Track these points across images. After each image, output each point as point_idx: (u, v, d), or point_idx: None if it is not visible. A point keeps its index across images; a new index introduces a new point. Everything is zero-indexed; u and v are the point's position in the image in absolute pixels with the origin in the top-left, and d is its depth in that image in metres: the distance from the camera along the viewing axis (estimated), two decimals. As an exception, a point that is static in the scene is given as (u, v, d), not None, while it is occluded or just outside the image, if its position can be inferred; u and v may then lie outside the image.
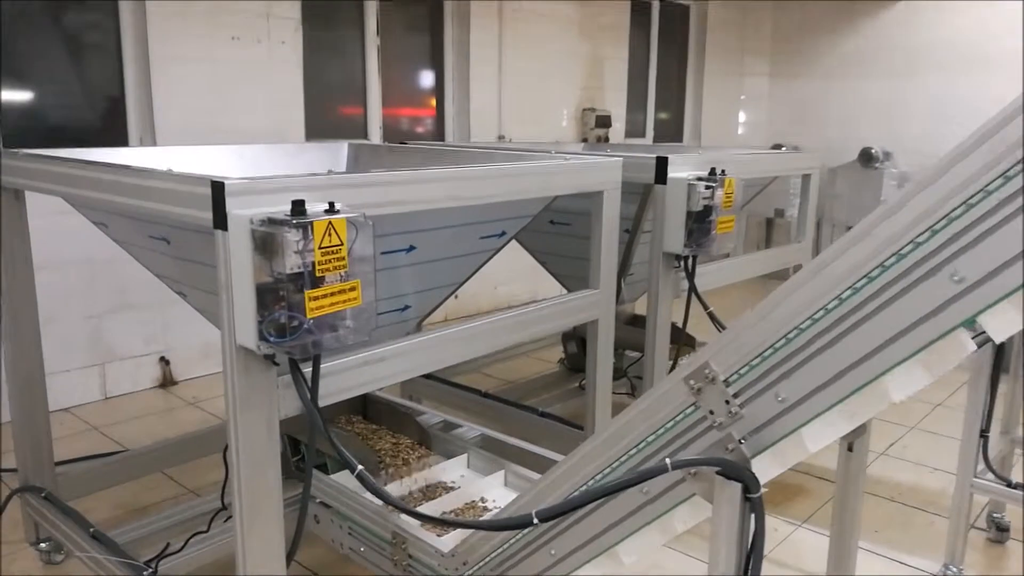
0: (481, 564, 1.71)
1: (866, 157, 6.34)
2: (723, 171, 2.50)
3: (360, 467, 1.48)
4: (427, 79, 5.63)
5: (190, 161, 2.42)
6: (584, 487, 1.46)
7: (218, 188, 1.43)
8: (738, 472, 1.19)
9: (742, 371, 1.22)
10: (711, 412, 1.26)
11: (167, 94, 3.98)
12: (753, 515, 1.19)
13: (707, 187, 2.46)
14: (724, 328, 2.76)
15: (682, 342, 2.74)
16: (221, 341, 1.51)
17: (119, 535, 2.23)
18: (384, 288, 2.07)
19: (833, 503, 1.62)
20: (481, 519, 1.59)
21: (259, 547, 1.58)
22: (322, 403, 1.63)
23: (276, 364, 1.53)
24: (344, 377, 1.68)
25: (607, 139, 6.16)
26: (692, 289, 2.59)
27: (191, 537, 2.01)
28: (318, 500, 2.19)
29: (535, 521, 1.30)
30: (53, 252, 3.62)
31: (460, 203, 1.84)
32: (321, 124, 4.76)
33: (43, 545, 2.49)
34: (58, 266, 3.70)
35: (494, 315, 2.04)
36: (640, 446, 1.37)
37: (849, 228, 1.15)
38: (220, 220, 1.43)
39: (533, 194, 2.07)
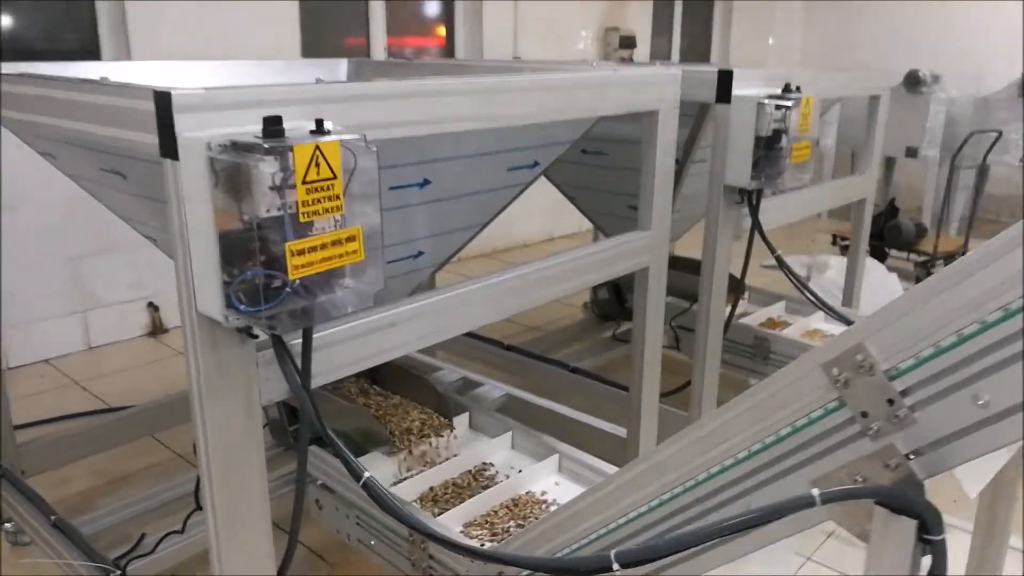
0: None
1: (912, 81, 5.81)
2: (798, 87, 2.08)
3: (368, 475, 1.12)
4: (434, 7, 5.12)
5: (154, 78, 2.01)
6: (663, 501, 1.10)
7: (163, 101, 1.03)
8: (916, 506, 0.82)
9: (919, 359, 0.84)
10: (864, 414, 0.89)
11: (144, 8, 3.52)
12: (932, 561, 0.83)
13: (779, 107, 2.04)
14: (796, 276, 2.41)
15: (740, 292, 2.36)
16: (179, 308, 1.14)
17: (87, 523, 1.90)
18: (392, 232, 1.69)
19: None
20: (539, 556, 1.23)
21: (242, 566, 1.24)
22: (317, 383, 1.27)
23: (254, 337, 1.16)
24: (345, 350, 1.31)
25: (631, 61, 5.66)
26: (756, 229, 2.19)
27: (164, 537, 1.68)
28: (319, 482, 1.85)
29: (615, 568, 0.94)
30: (29, 188, 3.24)
31: (490, 123, 1.44)
32: (319, 55, 4.29)
33: (8, 525, 2.17)
34: (35, 203, 3.31)
35: (527, 267, 1.65)
36: (744, 456, 1.01)
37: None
38: (168, 145, 1.04)
39: (579, 113, 1.66)
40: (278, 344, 1.16)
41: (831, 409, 0.92)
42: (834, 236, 5.05)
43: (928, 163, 5.58)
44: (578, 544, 1.26)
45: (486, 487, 1.77)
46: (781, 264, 2.21)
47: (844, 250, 4.96)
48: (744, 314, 2.86)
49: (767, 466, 0.99)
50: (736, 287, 2.44)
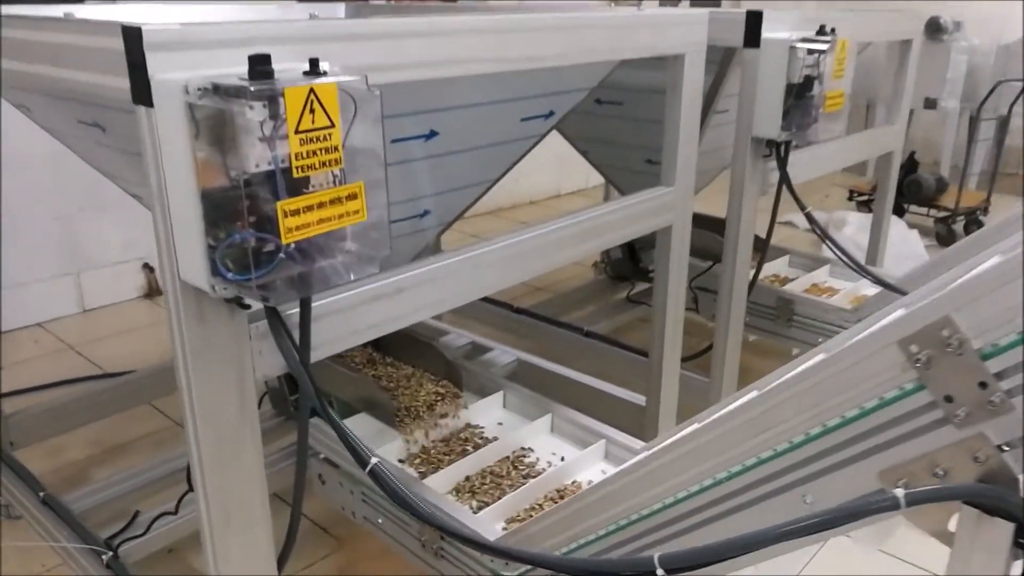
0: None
1: (933, 28, 5.59)
2: (833, 29, 1.92)
3: (375, 461, 1.01)
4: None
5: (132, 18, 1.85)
6: (704, 488, 0.99)
7: (133, 38, 0.89)
8: (1012, 506, 0.70)
9: (1022, 336, 0.72)
10: (948, 398, 0.77)
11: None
12: (1028, 572, 0.72)
13: (811, 51, 1.89)
14: (827, 235, 2.27)
15: (764, 252, 2.23)
16: (160, 276, 1.01)
17: (80, 498, 1.81)
18: (396, 189, 1.56)
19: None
20: (571, 558, 1.12)
21: (239, 558, 1.14)
22: (317, 356, 1.16)
23: (245, 307, 1.04)
24: (347, 320, 1.19)
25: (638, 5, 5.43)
26: (784, 183, 2.05)
27: (157, 518, 1.58)
28: (322, 456, 1.75)
29: (659, 573, 0.83)
30: (13, 144, 3.09)
31: (503, 66, 1.29)
32: (315, -8, 4.09)
33: (-1, 499, 2.08)
34: (21, 161, 3.17)
35: (543, 227, 1.52)
36: (801, 440, 0.89)
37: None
38: (140, 90, 0.91)
39: (600, 55, 1.51)
40: (272, 315, 1.04)
41: (908, 391, 0.80)
42: (851, 191, 4.90)
43: (947, 115, 5.39)
44: (600, 535, 1.16)
45: (527, 476, 1.65)
46: (811, 221, 2.08)
47: (861, 206, 4.80)
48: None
49: (827, 453, 0.88)
50: (759, 246, 2.31)
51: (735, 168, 2.03)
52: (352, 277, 1.00)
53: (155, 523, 1.56)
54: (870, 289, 2.50)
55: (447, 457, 1.65)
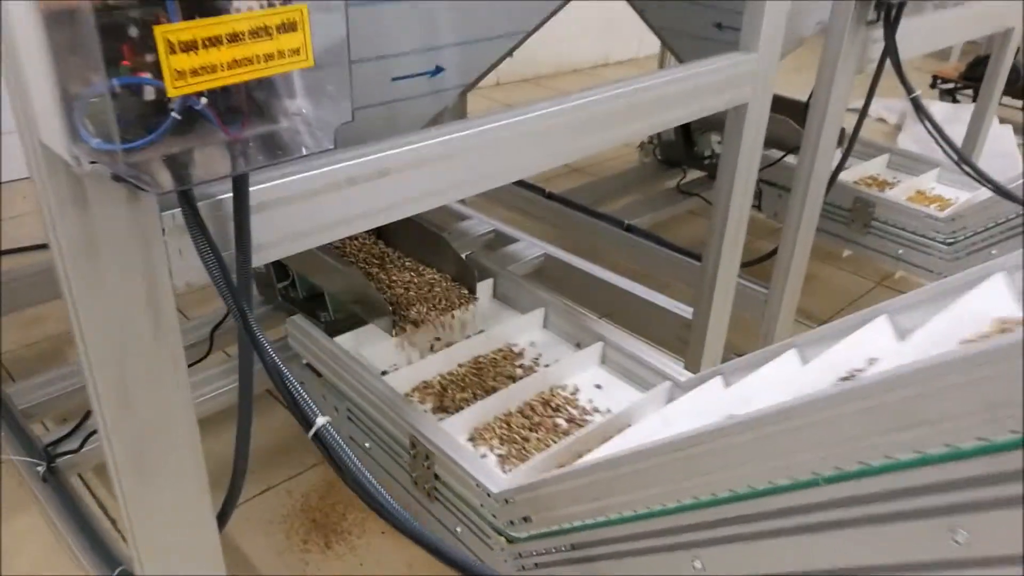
0: (559, 530, 1.00)
1: None
2: None
3: (322, 421, 0.71)
4: None
5: None
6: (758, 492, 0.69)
7: None
8: None
9: None
10: None
11: None
12: None
13: None
14: (939, 129, 1.83)
15: (851, 143, 1.84)
16: (19, 138, 0.69)
17: (32, 390, 1.56)
18: (396, 36, 1.20)
19: None
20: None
21: (163, 517, 0.87)
22: (264, 259, 0.85)
23: (144, 189, 0.72)
24: (311, 211, 0.87)
25: None
26: (891, 56, 1.64)
27: (92, 434, 1.33)
28: (304, 362, 1.48)
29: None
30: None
31: None
32: None
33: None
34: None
35: (590, 95, 1.16)
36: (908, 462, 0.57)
37: None
38: None
39: None
40: (186, 203, 0.72)
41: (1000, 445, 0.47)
42: (934, 77, 4.35)
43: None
44: (634, 514, 0.87)
45: (511, 378, 1.38)
46: (919, 110, 1.68)
47: (944, 95, 4.28)
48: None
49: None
50: (840, 136, 1.92)
51: (831, 35, 1.62)
52: (297, 153, 0.68)
53: (90, 439, 1.31)
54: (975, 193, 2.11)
55: (461, 394, 1.36)
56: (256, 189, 0.81)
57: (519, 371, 1.41)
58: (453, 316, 1.47)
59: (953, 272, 2.02)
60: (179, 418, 0.84)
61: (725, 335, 1.79)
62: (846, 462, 0.66)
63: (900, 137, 3.75)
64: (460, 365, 1.42)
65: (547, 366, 1.41)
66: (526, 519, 1.05)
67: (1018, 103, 4.04)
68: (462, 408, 1.29)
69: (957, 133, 2.64)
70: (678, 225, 2.65)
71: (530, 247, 2.04)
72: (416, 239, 1.58)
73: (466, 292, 1.51)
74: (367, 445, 1.36)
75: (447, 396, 1.35)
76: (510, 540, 1.10)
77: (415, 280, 1.52)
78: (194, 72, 0.56)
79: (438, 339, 1.47)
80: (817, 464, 0.69)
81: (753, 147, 1.52)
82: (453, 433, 1.23)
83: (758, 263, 1.98)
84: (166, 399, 0.82)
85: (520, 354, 1.46)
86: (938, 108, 3.83)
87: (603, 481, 0.91)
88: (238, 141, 0.67)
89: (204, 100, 0.60)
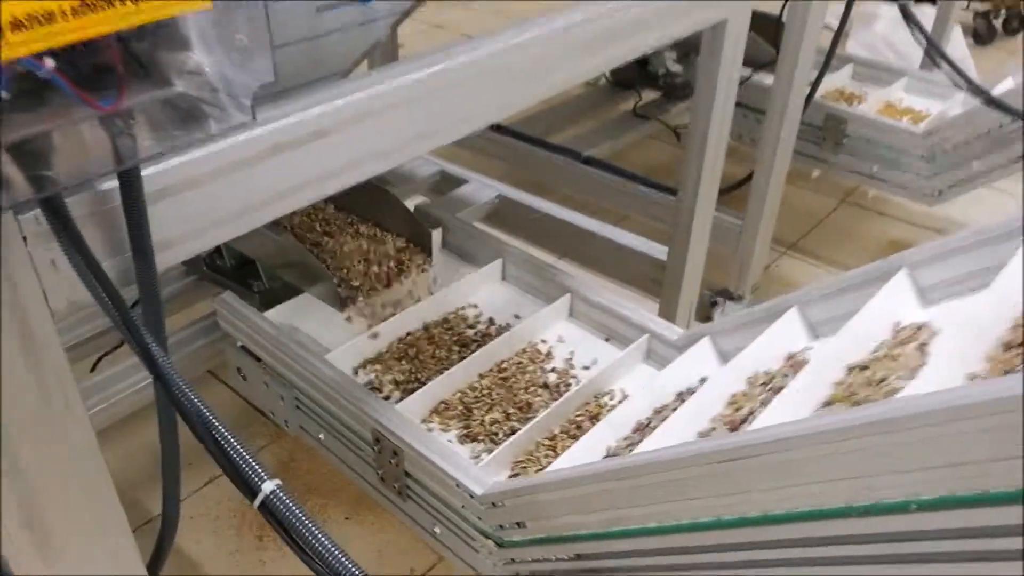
0: (560, 538, 0.86)
1: None
2: None
3: (272, 487, 0.54)
4: None
5: None
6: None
7: None
8: None
9: None
10: None
11: None
12: None
13: None
14: (925, 35, 1.63)
15: (829, 56, 1.68)
16: None
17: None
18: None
19: None
20: None
21: None
22: (171, 261, 0.66)
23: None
24: (230, 192, 0.68)
25: None
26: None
27: None
28: (239, 344, 1.29)
29: None
30: None
31: None
32: None
33: None
34: None
35: (546, 24, 0.97)
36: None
37: None
38: None
39: None
40: (49, 212, 0.52)
41: None
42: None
43: None
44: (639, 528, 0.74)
45: (465, 345, 1.23)
46: (909, 19, 1.52)
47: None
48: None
49: None
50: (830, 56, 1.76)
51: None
52: (206, 132, 0.48)
53: None
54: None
55: (414, 362, 1.20)
56: (154, 171, 0.61)
57: (469, 332, 1.27)
58: (403, 282, 1.29)
59: (931, 189, 1.94)
60: (82, 469, 0.66)
61: (701, 274, 1.66)
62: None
63: (848, 44, 3.62)
64: (410, 333, 1.26)
65: (508, 325, 1.27)
66: (520, 524, 0.91)
67: (964, 3, 3.94)
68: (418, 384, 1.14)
69: (906, 38, 2.51)
70: (636, 153, 2.48)
71: (482, 188, 1.85)
72: (358, 195, 1.38)
73: (419, 253, 1.33)
74: (321, 436, 1.20)
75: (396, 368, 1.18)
76: (500, 544, 0.96)
77: (360, 243, 1.32)
78: (16, 25, 0.36)
79: (388, 309, 1.29)
80: (852, 494, 0.56)
81: (732, 69, 1.35)
82: (414, 415, 1.08)
83: (731, 191, 1.84)
84: (59, 452, 0.63)
85: (476, 317, 1.30)
86: (886, 9, 3.69)
87: (609, 492, 0.77)
88: (117, 117, 0.47)
89: (51, 63, 0.41)
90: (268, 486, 0.52)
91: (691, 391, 1.06)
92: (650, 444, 0.93)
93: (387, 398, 1.15)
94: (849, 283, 0.98)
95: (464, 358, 1.18)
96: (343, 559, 0.50)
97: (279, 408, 1.25)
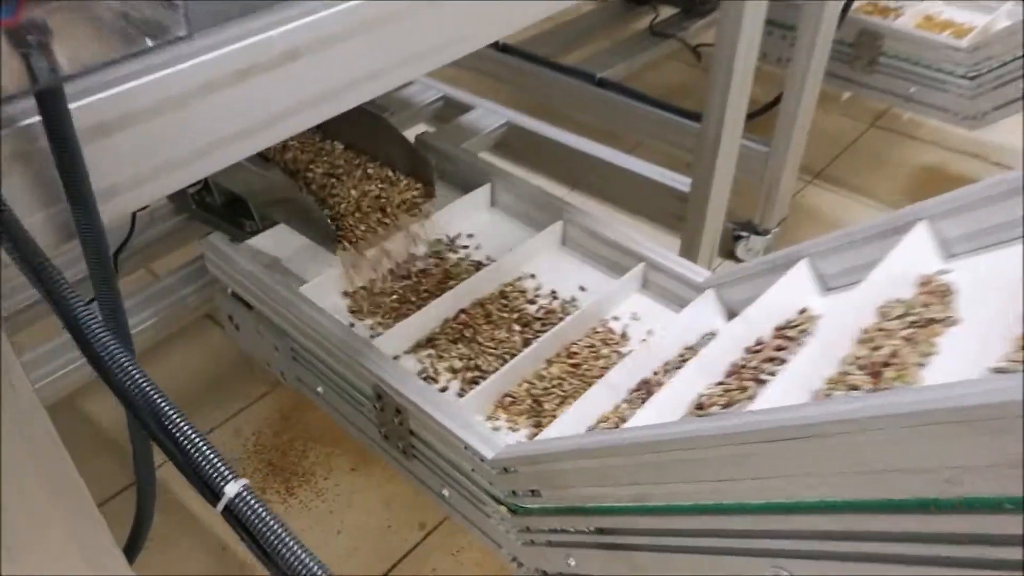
0: (579, 508, 0.78)
1: None
2: None
3: (237, 489, 0.45)
4: None
5: None
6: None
7: None
8: None
9: None
10: None
11: None
12: None
13: None
14: None
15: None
16: None
17: None
18: None
19: None
20: None
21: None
22: (118, 214, 0.56)
23: None
24: (185, 127, 0.57)
25: None
26: None
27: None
28: (229, 290, 1.20)
29: None
30: None
31: None
32: None
33: None
34: None
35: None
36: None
37: None
38: None
39: None
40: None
41: None
42: None
43: None
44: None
45: (527, 324, 1.10)
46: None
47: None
48: None
49: None
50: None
51: None
52: (113, 50, 0.38)
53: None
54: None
55: (471, 345, 1.07)
56: (88, 103, 0.50)
57: (530, 308, 1.13)
58: (404, 228, 1.19)
59: (973, 111, 1.80)
60: (36, 455, 0.57)
61: (725, 207, 1.55)
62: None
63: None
64: (464, 311, 1.12)
65: (573, 300, 1.15)
66: (534, 492, 0.83)
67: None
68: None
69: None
70: (653, 73, 2.33)
71: (488, 115, 1.73)
72: (351, 124, 1.26)
73: (419, 191, 1.22)
74: (320, 390, 1.11)
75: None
76: (514, 510, 0.88)
77: (356, 180, 1.21)
78: None
79: (388, 258, 1.19)
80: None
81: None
82: (477, 411, 0.98)
83: (757, 116, 1.71)
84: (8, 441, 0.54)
85: (536, 290, 1.16)
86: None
87: (631, 467, 0.68)
88: (22, 32, 0.37)
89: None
90: (232, 488, 0.43)
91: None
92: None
93: (444, 389, 1.01)
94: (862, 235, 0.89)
95: (527, 339, 1.06)
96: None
97: (274, 359, 1.16)
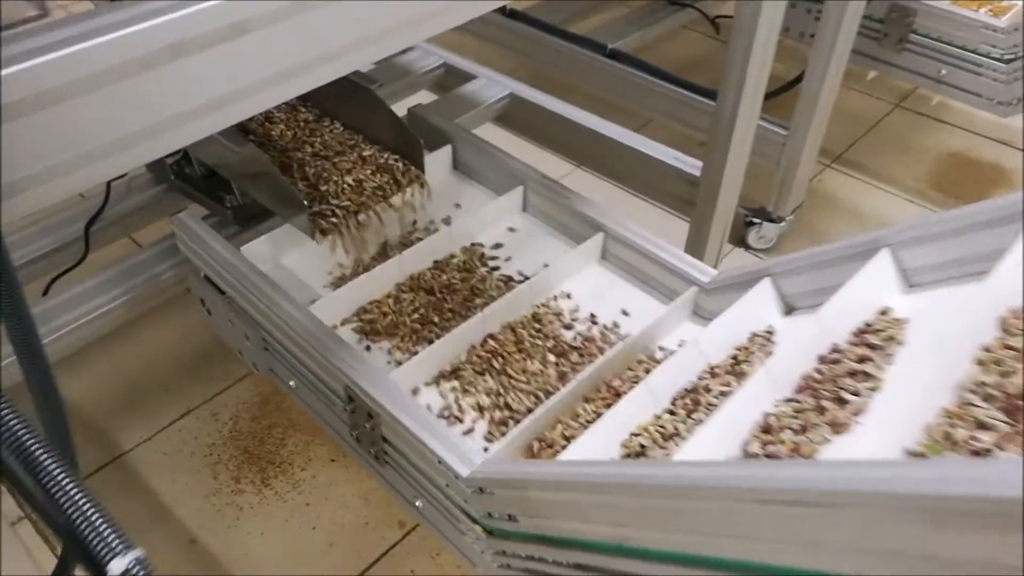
0: (557, 540, 0.71)
1: None
2: None
3: (126, 566, 0.37)
4: None
5: None
6: None
7: None
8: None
9: None
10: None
11: None
12: None
13: None
14: None
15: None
16: None
17: None
18: None
19: None
20: None
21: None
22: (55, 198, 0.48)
23: None
24: (114, 109, 0.49)
25: None
26: None
27: None
28: (202, 273, 1.12)
29: None
30: None
31: None
32: None
33: None
34: None
35: None
36: None
37: None
38: None
39: None
40: None
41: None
42: None
43: None
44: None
45: (563, 354, 0.97)
46: None
47: None
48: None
49: None
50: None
51: None
52: None
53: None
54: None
55: (500, 378, 0.94)
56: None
57: (567, 335, 1.00)
58: (390, 205, 1.10)
59: (1008, 96, 1.68)
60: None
61: (738, 192, 1.45)
62: None
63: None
64: (493, 336, 0.99)
65: (616, 325, 1.02)
66: (511, 517, 0.76)
67: None
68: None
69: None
70: (669, 45, 2.21)
71: (491, 86, 1.63)
72: (339, 97, 1.17)
73: (406, 170, 1.13)
74: (292, 384, 1.04)
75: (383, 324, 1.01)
76: (489, 531, 0.81)
77: (335, 158, 1.13)
78: None
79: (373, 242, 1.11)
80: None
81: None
82: (404, 383, 0.91)
83: (776, 95, 1.60)
84: None
85: (573, 313, 1.04)
86: None
87: (619, 507, 0.61)
88: None
89: None
90: (117, 567, 0.35)
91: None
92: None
93: (470, 431, 0.90)
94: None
95: (562, 372, 0.94)
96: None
97: (246, 348, 1.09)
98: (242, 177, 1.13)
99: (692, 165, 1.43)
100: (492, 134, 1.41)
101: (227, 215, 1.22)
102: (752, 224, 1.68)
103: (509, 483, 0.72)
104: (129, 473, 1.33)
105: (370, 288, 1.04)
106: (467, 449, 0.80)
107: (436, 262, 1.10)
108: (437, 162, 1.24)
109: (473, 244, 1.13)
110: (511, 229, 1.17)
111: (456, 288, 1.06)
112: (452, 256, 1.11)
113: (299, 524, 1.24)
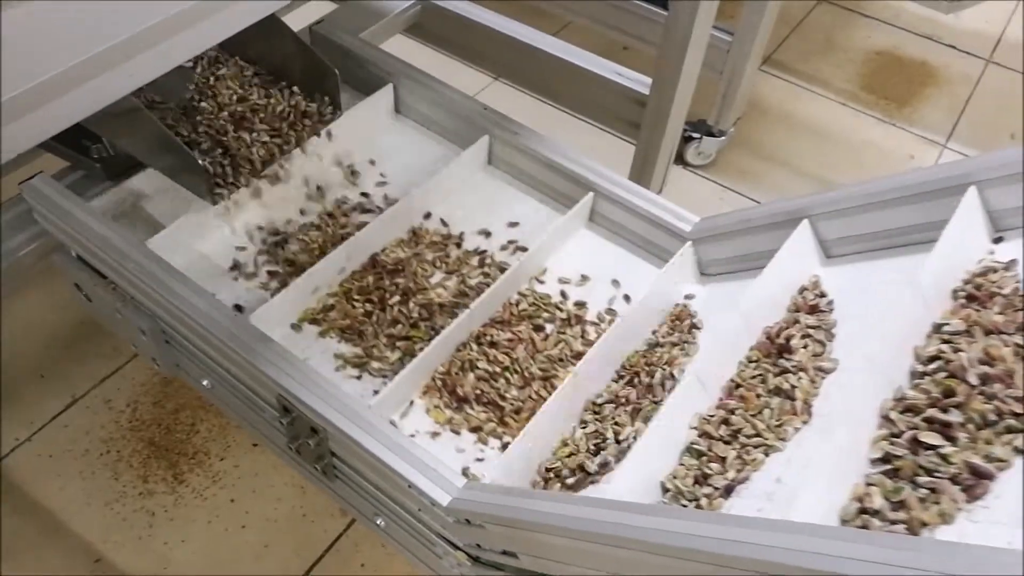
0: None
1: None
2: None
3: None
4: None
5: None
6: None
7: None
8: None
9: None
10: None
11: None
12: None
13: None
14: None
15: None
16: None
17: None
18: None
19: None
20: None
21: None
22: None
23: None
24: None
25: None
26: None
27: None
28: (74, 253, 0.90)
29: None
30: None
31: None
32: None
33: None
34: None
35: None
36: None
37: None
38: None
39: None
40: None
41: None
42: None
43: None
44: None
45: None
46: None
47: None
48: None
49: None
50: None
51: None
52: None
53: None
54: None
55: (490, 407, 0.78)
56: None
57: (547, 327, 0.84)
58: (293, 151, 0.90)
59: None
60: None
61: (685, 112, 1.31)
62: None
63: None
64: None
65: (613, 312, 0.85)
66: (507, 553, 0.63)
67: None
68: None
69: None
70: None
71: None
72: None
73: (316, 111, 0.92)
74: (205, 383, 0.86)
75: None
76: (475, 559, 0.68)
77: (237, 103, 0.91)
78: None
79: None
80: None
81: None
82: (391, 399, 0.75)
83: (719, -2, 1.45)
84: None
85: (559, 303, 0.87)
86: None
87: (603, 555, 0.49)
88: None
89: None
90: None
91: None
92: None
93: (461, 451, 0.76)
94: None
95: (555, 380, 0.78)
96: None
97: (141, 343, 0.89)
98: (108, 127, 0.90)
99: (637, 81, 1.28)
100: (402, 47, 1.20)
101: (95, 168, 0.99)
102: (691, 139, 1.56)
103: (507, 521, 0.59)
104: (6, 484, 1.12)
105: (316, 279, 0.85)
106: (444, 470, 0.66)
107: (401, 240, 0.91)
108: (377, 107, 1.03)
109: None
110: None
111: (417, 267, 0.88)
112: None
113: (225, 525, 1.08)
